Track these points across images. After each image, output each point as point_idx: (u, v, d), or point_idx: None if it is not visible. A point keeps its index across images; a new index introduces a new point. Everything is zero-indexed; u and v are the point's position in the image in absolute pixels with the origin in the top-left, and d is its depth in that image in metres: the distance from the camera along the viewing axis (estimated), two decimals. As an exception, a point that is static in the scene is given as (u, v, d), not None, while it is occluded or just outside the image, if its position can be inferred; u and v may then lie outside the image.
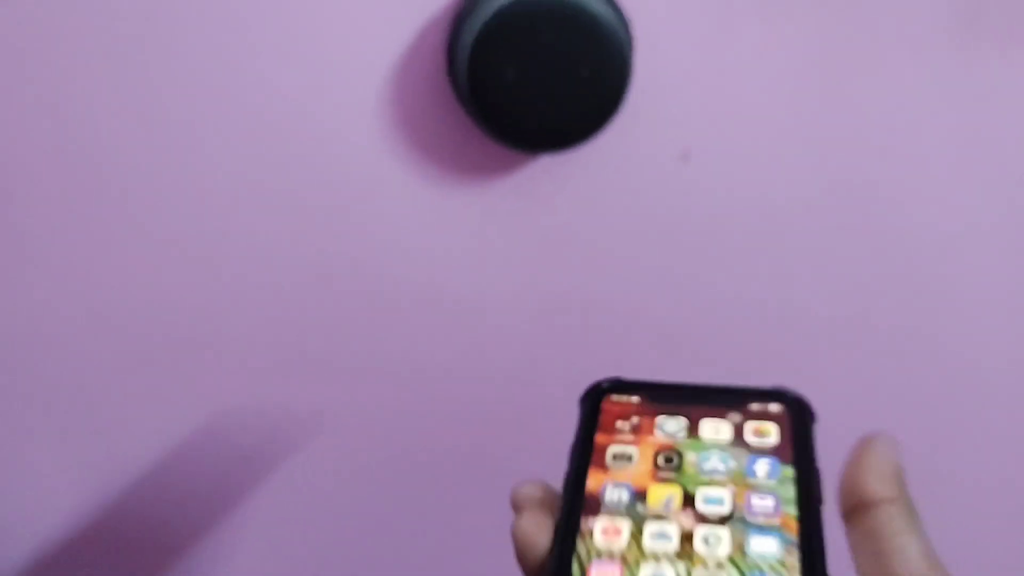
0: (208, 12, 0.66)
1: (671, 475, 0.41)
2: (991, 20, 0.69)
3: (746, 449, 0.42)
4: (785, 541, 0.38)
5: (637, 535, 0.39)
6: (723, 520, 0.39)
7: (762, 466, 0.41)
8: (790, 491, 0.40)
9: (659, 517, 0.39)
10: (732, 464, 0.42)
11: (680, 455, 0.42)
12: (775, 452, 0.42)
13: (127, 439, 0.79)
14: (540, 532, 0.40)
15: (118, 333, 0.76)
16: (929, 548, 0.38)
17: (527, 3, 0.61)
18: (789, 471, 0.41)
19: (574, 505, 0.40)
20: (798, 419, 0.44)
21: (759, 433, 0.43)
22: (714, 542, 0.38)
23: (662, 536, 0.39)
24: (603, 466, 0.42)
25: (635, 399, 0.45)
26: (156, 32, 0.66)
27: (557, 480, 0.43)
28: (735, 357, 0.79)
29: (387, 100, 0.69)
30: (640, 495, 0.40)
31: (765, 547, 0.38)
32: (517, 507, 0.41)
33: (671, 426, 0.43)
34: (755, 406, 0.44)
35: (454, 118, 0.69)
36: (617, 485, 0.41)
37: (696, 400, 0.45)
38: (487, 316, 0.76)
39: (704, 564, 0.37)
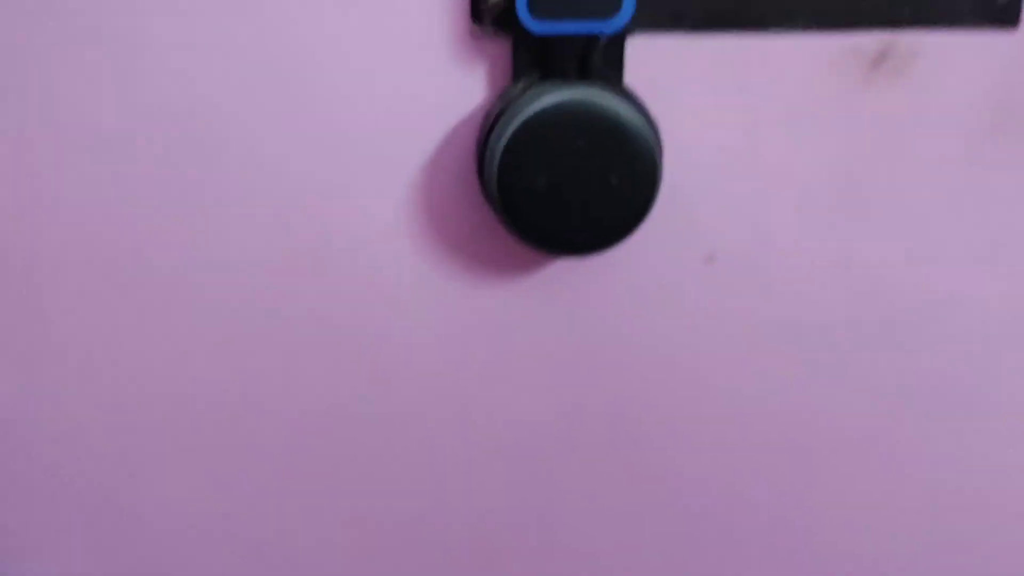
0: (239, 107, 0.66)
1: None
2: (1009, 138, 0.70)
3: None
4: None
5: None
6: None
7: None
8: None
9: None
10: None
11: None
12: None
13: (151, 534, 0.78)
14: None
15: (142, 428, 0.75)
16: None
17: (558, 109, 0.61)
18: None
19: None
20: None
21: None
22: None
23: None
24: None
25: None
26: (186, 130, 0.67)
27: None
28: (760, 461, 0.78)
29: (416, 198, 0.69)
30: None
31: None
32: None
33: None
34: None
35: (482, 218, 0.69)
36: None
37: None
38: (509, 416, 0.75)
39: None
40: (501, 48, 0.65)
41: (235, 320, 0.72)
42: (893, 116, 0.69)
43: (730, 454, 0.78)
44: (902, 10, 0.67)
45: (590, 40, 0.63)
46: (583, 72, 0.64)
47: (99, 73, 0.65)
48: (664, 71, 0.67)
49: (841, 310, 0.74)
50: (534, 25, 0.61)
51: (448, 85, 0.66)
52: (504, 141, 0.62)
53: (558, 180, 0.62)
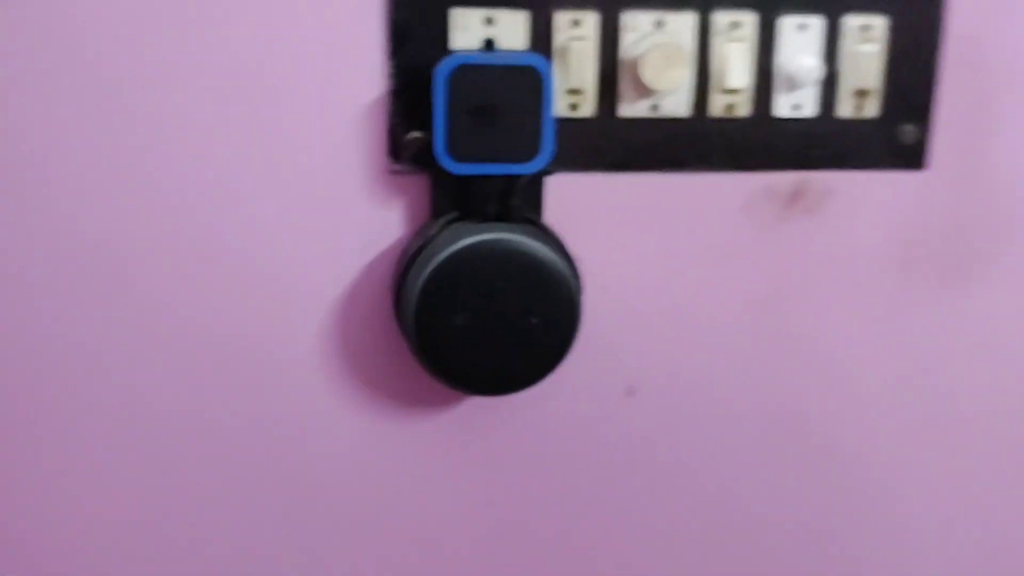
0: (153, 237, 0.64)
1: None
2: (925, 265, 0.72)
3: None
4: None
5: None
6: None
7: None
8: None
9: None
10: None
11: None
12: None
13: None
14: None
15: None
16: None
17: (477, 248, 0.61)
18: None
19: None
20: None
21: None
22: None
23: None
24: None
25: None
26: (94, 265, 0.64)
27: None
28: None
29: (331, 333, 0.67)
30: None
31: None
32: None
33: None
34: None
35: (397, 354, 0.68)
36: None
37: None
38: (424, 554, 0.73)
39: None
40: (419, 185, 0.65)
41: (145, 460, 0.68)
42: (807, 252, 0.71)
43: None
44: (814, 152, 0.68)
45: (509, 180, 0.63)
46: (502, 211, 0.63)
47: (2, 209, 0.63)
48: (583, 209, 0.67)
49: (760, 437, 0.74)
50: (453, 166, 0.61)
51: (365, 221, 0.65)
52: (422, 280, 0.61)
53: (477, 320, 0.61)
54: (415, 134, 0.64)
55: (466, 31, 0.63)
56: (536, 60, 0.60)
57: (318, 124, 0.63)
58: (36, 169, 0.62)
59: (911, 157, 0.70)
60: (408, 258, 0.63)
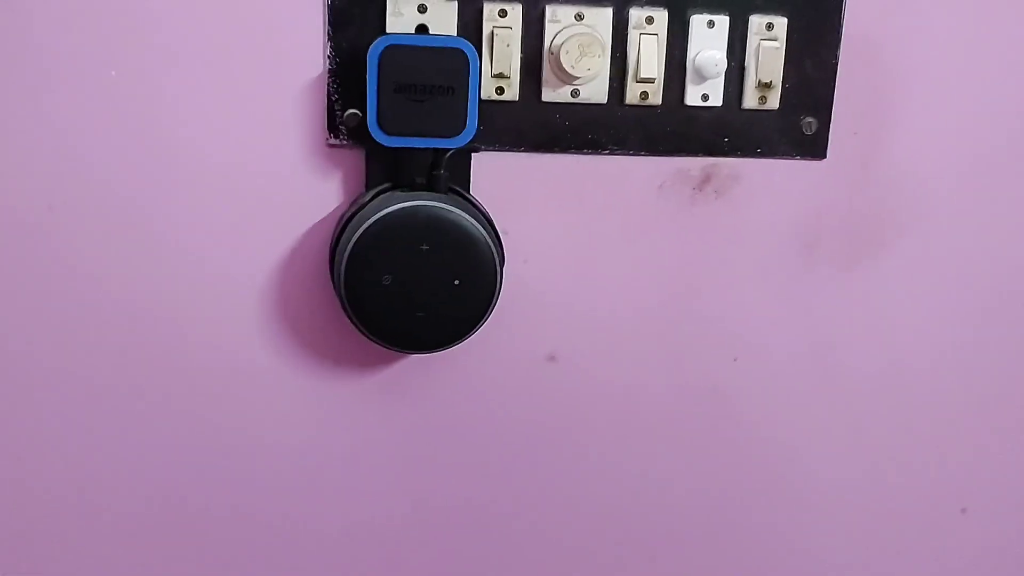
0: (98, 206, 0.69)
1: None
2: (824, 249, 0.78)
3: None
4: None
5: None
6: None
7: None
8: None
9: None
10: None
11: None
12: None
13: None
14: None
15: None
16: None
17: (404, 214, 0.66)
18: None
19: None
20: None
21: None
22: None
23: None
24: None
25: None
26: (33, 233, 0.69)
27: None
28: (597, 551, 0.81)
29: (270, 296, 0.72)
30: None
31: None
32: None
33: None
34: None
35: (333, 316, 0.73)
36: None
37: None
38: (359, 507, 0.77)
39: None
40: (355, 158, 0.70)
41: (94, 419, 0.72)
42: (716, 232, 0.76)
43: (570, 544, 0.81)
44: (721, 140, 0.74)
45: (437, 154, 0.68)
46: (430, 182, 0.69)
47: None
48: (508, 185, 0.73)
49: (673, 407, 0.79)
50: (384, 139, 0.66)
51: (305, 191, 0.70)
52: (352, 242, 0.66)
53: (403, 280, 0.67)
54: (352, 111, 0.69)
55: (400, 17, 0.68)
56: (462, 43, 0.65)
57: (261, 100, 0.68)
58: (-3, 133, 0.67)
59: (812, 147, 0.76)
60: (342, 224, 0.68)
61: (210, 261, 0.71)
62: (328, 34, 0.68)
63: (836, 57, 0.74)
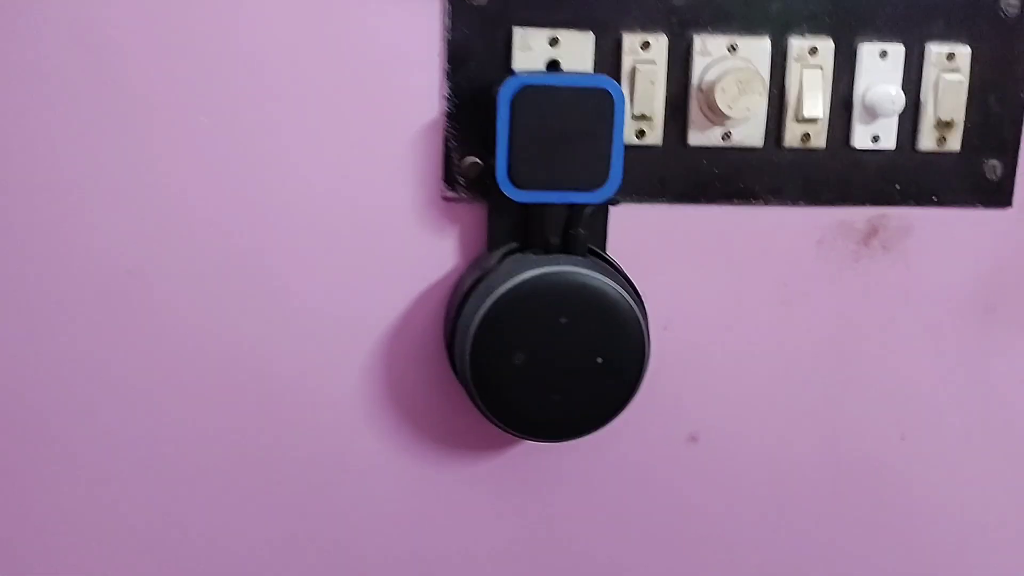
0: (202, 269, 0.60)
1: None
2: (1009, 310, 0.67)
3: None
4: None
5: None
6: None
7: None
8: None
9: None
10: None
11: None
12: None
13: None
14: None
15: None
16: None
17: (539, 282, 0.56)
18: None
19: None
20: None
21: None
22: None
23: None
24: None
25: None
26: (139, 292, 0.60)
27: None
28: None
29: (379, 370, 0.63)
30: None
31: None
32: None
33: None
34: None
35: (450, 395, 0.63)
36: None
37: None
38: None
39: None
40: (475, 213, 0.61)
41: (201, 491, 0.63)
42: (883, 293, 0.66)
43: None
44: (892, 187, 0.64)
45: (573, 210, 0.59)
46: (565, 242, 0.59)
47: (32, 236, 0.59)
48: (647, 242, 0.63)
49: (830, 488, 0.69)
50: (515, 194, 0.57)
51: (417, 250, 0.61)
52: (479, 315, 0.56)
53: (537, 360, 0.57)
54: (472, 159, 0.60)
55: (529, 51, 0.59)
56: (607, 83, 0.56)
57: (370, 147, 0.59)
58: (71, 195, 0.58)
59: (996, 194, 0.65)
60: (464, 291, 0.59)
61: (310, 333, 0.61)
62: (446, 72, 0.59)
63: (1025, 90, 0.64)
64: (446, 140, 0.60)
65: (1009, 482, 0.70)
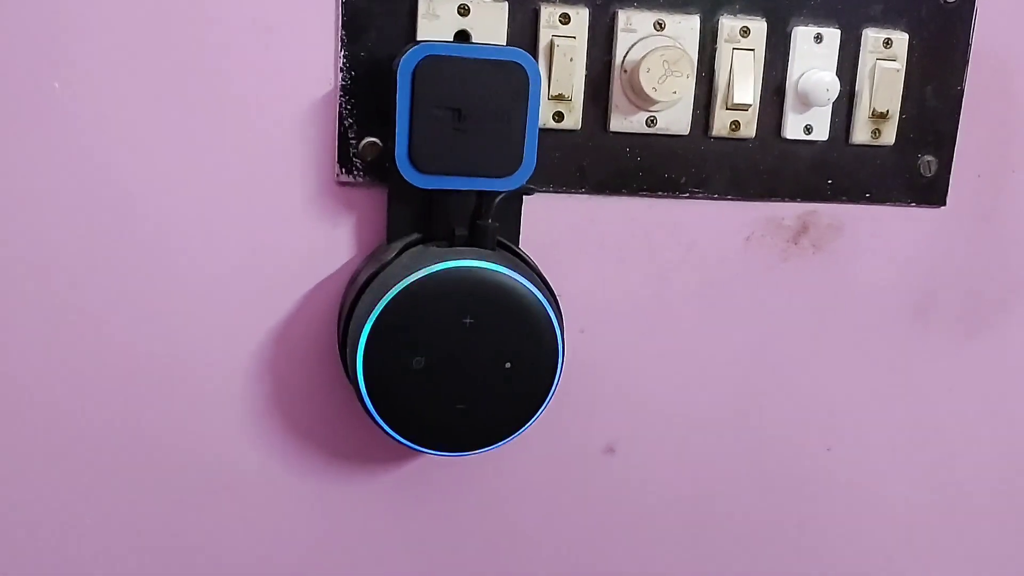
0: (84, 258, 0.52)
1: None
2: (942, 312, 0.64)
3: None
4: None
5: None
6: None
7: None
8: None
9: None
10: None
11: None
12: None
13: None
14: None
15: None
16: None
17: (443, 278, 0.50)
18: None
19: None
20: None
21: None
22: None
23: None
24: None
25: None
26: (29, 280, 0.52)
27: None
28: None
29: (260, 379, 0.56)
30: None
31: None
32: None
33: None
34: None
35: (342, 402, 0.57)
36: None
37: None
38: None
39: None
40: (373, 200, 0.55)
41: (82, 502, 0.56)
42: (812, 294, 0.62)
43: None
44: (824, 182, 0.60)
45: (483, 197, 0.53)
46: (473, 234, 0.53)
47: None
48: (562, 235, 0.58)
49: (754, 506, 0.65)
50: (416, 179, 0.51)
51: (308, 241, 0.55)
52: (375, 313, 0.50)
53: (439, 364, 0.51)
54: (370, 139, 0.53)
55: (436, 20, 0.53)
56: (521, 56, 0.50)
57: (254, 125, 0.53)
58: None
59: (929, 192, 0.62)
60: (359, 287, 0.52)
61: (188, 332, 0.54)
62: (342, 40, 0.52)
63: (962, 83, 0.61)
64: (341, 118, 0.53)
65: (937, 493, 0.67)
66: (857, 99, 0.59)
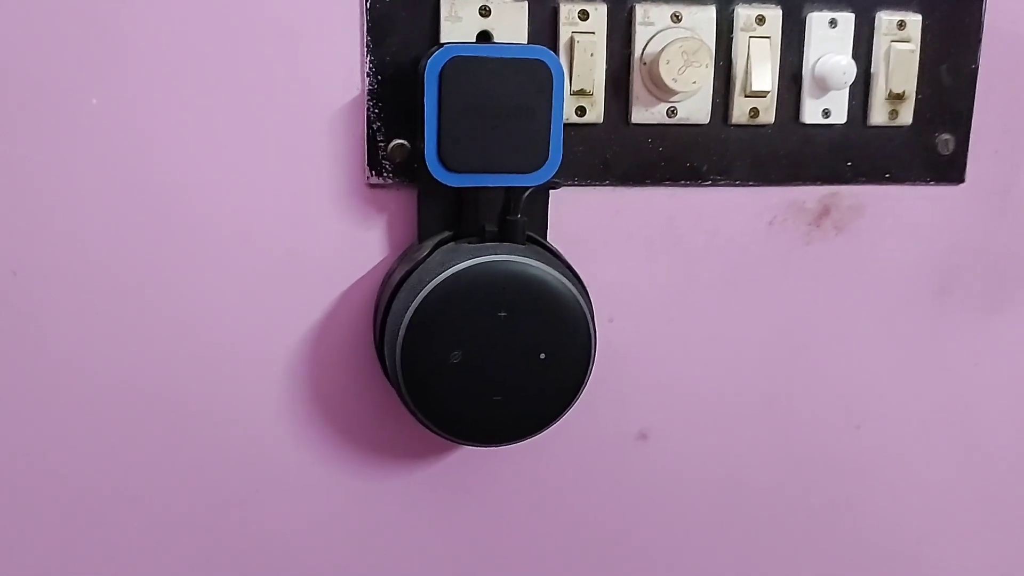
0: (118, 259, 0.54)
1: None
2: (964, 290, 0.65)
3: None
4: None
5: None
6: None
7: None
8: None
9: None
10: None
11: None
12: None
13: None
14: None
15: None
16: None
17: (476, 274, 0.52)
18: None
19: None
20: None
21: None
22: None
23: None
24: None
25: None
26: (56, 283, 0.54)
27: None
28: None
29: (297, 376, 0.57)
30: None
31: None
32: None
33: None
34: None
35: (380, 397, 0.58)
36: None
37: None
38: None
39: None
40: (403, 201, 0.56)
41: (103, 511, 0.57)
42: (836, 275, 0.63)
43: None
44: (843, 164, 0.61)
45: (511, 193, 0.54)
46: (502, 229, 0.54)
47: None
48: (588, 227, 0.59)
49: (783, 484, 0.66)
50: (445, 177, 0.52)
51: (340, 242, 0.56)
52: (411, 311, 0.51)
53: (475, 358, 0.52)
54: (399, 141, 0.55)
55: (458, 22, 0.54)
56: (544, 53, 0.51)
57: (284, 131, 0.54)
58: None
59: (948, 170, 0.63)
60: (393, 286, 0.54)
61: (226, 337, 0.56)
62: (367, 45, 0.54)
63: (976, 61, 0.61)
64: (369, 121, 0.54)
65: (967, 469, 0.68)
66: (873, 81, 0.60)
